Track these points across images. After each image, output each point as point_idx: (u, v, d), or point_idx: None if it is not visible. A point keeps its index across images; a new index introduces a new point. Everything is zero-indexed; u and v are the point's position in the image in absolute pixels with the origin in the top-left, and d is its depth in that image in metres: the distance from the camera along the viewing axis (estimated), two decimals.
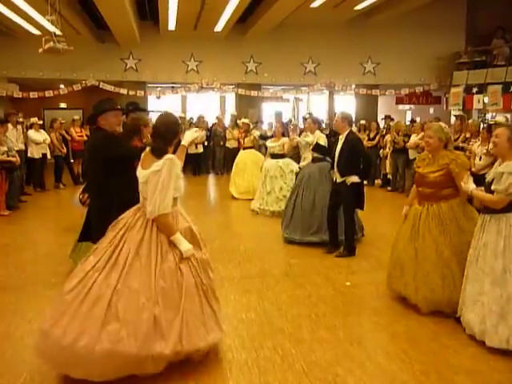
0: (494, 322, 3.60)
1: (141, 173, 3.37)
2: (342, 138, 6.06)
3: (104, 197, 4.31)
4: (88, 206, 4.96)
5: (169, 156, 3.29)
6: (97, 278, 3.17)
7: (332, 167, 6.20)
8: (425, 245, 4.28)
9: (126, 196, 3.81)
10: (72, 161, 12.65)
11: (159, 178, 3.21)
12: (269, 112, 17.15)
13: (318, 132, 7.07)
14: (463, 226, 4.22)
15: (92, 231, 4.50)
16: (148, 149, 3.44)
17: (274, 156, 8.84)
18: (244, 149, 11.21)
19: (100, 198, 4.41)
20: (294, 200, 6.78)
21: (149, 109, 15.08)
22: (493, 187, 3.71)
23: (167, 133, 3.39)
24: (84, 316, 3.06)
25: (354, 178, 5.89)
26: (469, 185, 3.93)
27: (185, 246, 3.30)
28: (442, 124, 4.55)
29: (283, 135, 8.97)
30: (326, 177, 6.53)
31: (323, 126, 11.83)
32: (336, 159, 6.05)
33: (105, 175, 4.31)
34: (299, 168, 7.60)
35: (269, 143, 9.13)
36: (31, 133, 11.07)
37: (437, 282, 4.19)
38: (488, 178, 3.85)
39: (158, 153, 3.30)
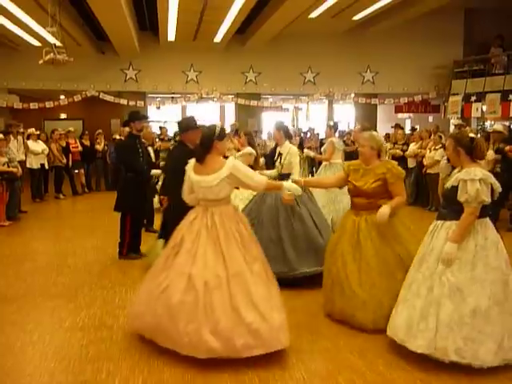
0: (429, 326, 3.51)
1: (205, 178, 3.75)
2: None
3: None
4: (165, 208, 5.38)
5: (229, 161, 3.85)
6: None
7: None
8: (368, 255, 4.12)
9: None
10: (76, 171, 12.61)
11: (239, 174, 3.77)
12: (268, 121, 17.20)
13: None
14: (401, 235, 4.18)
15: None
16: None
17: None
18: None
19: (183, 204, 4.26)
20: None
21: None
22: (461, 199, 3.53)
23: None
24: None
25: None
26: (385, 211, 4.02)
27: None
28: (374, 132, 4.44)
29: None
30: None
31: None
32: None
33: None
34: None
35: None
36: (30, 143, 11.09)
37: (383, 294, 4.05)
38: (447, 184, 3.73)
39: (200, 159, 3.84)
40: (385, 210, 4.02)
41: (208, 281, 3.54)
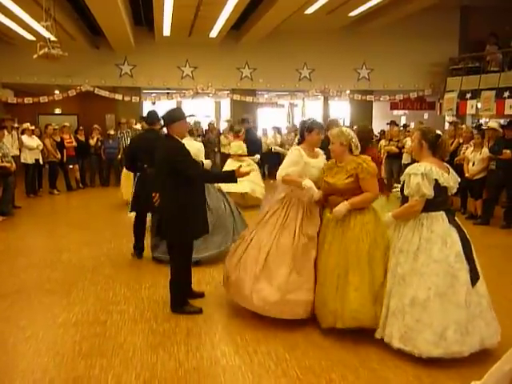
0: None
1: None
2: None
3: (179, 197, 4.40)
4: (158, 204, 4.83)
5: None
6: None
7: None
8: (330, 254, 4.05)
9: (198, 195, 4.54)
10: (71, 166, 12.53)
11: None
12: (264, 117, 17.20)
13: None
14: (375, 233, 3.98)
15: (164, 228, 4.53)
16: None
17: None
18: None
19: (175, 198, 4.41)
20: None
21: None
22: (405, 193, 3.71)
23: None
24: None
25: None
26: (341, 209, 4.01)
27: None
28: (344, 128, 4.32)
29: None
30: None
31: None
32: None
33: (176, 178, 4.39)
34: None
35: None
36: (25, 138, 11.03)
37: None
38: (401, 178, 3.87)
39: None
40: (341, 206, 3.99)
41: (262, 242, 4.30)
